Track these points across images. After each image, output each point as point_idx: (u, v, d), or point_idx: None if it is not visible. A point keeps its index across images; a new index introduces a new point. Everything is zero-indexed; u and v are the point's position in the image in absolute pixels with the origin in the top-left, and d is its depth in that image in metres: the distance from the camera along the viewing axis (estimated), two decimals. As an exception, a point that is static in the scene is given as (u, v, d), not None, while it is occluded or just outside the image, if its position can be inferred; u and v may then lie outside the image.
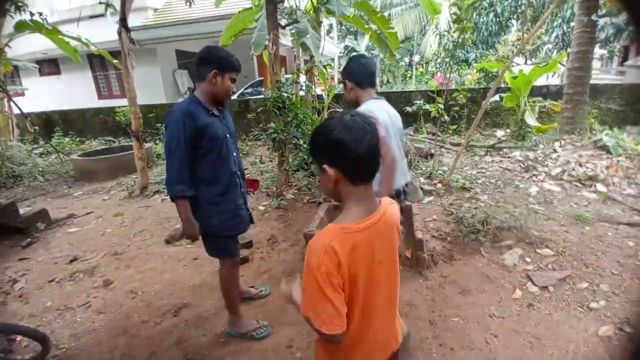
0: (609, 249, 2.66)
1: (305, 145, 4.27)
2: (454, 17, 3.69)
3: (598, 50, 10.19)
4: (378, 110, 1.81)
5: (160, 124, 7.78)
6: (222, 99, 1.73)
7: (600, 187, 3.76)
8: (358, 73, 1.92)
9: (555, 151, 4.80)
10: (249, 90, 10.46)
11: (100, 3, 4.17)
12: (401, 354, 1.10)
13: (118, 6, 4.22)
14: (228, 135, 1.78)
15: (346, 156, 0.85)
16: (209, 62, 1.64)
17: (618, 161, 4.29)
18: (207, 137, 1.64)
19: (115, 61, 5.32)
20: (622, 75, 8.55)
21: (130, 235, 3.50)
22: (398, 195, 1.95)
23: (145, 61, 8.71)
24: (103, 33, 8.36)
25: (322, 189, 0.89)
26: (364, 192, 0.91)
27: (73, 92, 10.59)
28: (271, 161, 5.38)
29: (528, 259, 2.57)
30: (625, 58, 14.32)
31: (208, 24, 8.63)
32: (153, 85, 9.53)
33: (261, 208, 3.87)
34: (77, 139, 8.16)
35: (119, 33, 4.04)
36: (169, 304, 2.34)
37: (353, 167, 0.87)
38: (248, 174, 5.20)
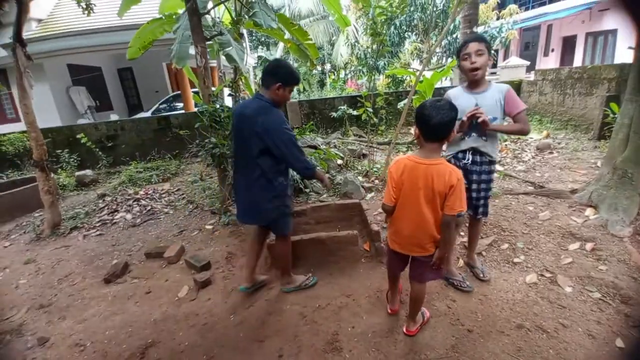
0: (516, 215, 3.30)
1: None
2: (371, 31, 4.11)
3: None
4: None
5: (59, 150, 6.69)
6: (280, 105, 2.07)
7: (498, 167, 4.61)
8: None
9: (460, 141, 5.68)
10: (164, 105, 9.72)
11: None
12: (412, 263, 1.85)
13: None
14: None
15: (422, 124, 1.55)
16: (275, 75, 1.98)
17: (506, 145, 5.31)
18: None
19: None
20: (497, 75, 10.44)
21: (54, 282, 2.97)
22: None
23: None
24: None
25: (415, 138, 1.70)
26: (430, 146, 1.58)
27: None
28: (212, 178, 5.13)
29: (462, 233, 3.03)
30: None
31: (108, 35, 7.77)
32: (43, 105, 8.12)
33: (209, 227, 3.69)
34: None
35: (14, 49, 3.41)
36: (131, 347, 2.09)
37: (425, 131, 1.57)
38: (183, 194, 4.87)
